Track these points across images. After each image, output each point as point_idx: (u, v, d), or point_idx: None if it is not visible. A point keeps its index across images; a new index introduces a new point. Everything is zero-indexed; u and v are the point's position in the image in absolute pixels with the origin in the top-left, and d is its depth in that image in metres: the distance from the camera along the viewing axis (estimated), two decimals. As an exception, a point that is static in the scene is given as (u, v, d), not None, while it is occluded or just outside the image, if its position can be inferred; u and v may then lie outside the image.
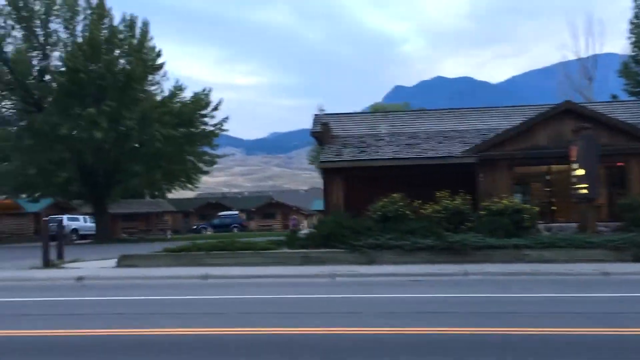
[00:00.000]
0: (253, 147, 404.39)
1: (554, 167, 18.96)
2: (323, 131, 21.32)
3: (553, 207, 19.75)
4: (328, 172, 19.44)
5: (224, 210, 60.21)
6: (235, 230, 54.31)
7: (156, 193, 56.27)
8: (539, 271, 13.38)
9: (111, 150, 31.84)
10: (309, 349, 6.36)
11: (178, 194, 63.55)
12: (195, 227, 57.18)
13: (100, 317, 9.36)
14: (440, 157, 17.95)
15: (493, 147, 17.67)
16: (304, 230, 59.27)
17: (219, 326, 7.85)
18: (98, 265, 17.89)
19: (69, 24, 35.08)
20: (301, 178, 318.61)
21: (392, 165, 18.43)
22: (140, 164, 33.32)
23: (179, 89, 34.99)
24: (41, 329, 8.16)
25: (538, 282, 12.30)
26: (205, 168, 38.21)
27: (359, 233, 16.14)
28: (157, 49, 35.46)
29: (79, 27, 35.52)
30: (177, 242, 33.66)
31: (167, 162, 34.27)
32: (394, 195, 16.88)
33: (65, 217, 48.51)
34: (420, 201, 16.95)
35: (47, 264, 17.90)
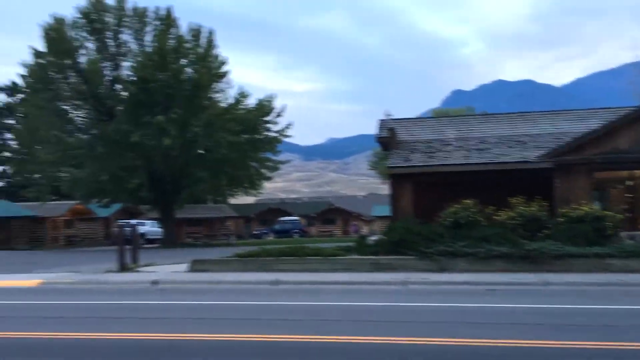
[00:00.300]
0: (310, 153, 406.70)
1: (637, 172, 18.06)
2: (389, 136, 21.07)
3: (630, 214, 18.82)
4: (396, 178, 19.18)
5: (284, 216, 60.68)
6: (296, 235, 54.56)
7: (219, 199, 57.38)
8: (626, 282, 12.71)
9: (178, 156, 32.62)
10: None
11: (238, 199, 64.63)
12: (256, 232, 57.85)
13: (181, 322, 9.50)
14: (515, 162, 17.40)
15: (570, 152, 16.98)
16: (371, 236, 59.07)
17: (299, 333, 7.80)
18: (171, 270, 18.29)
19: (138, 35, 36.21)
20: (358, 184, 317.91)
21: (462, 171, 17.99)
22: (206, 170, 34.00)
23: (243, 96, 35.58)
24: (123, 332, 8.34)
25: (628, 294, 11.67)
26: (268, 174, 38.61)
27: (429, 240, 15.82)
28: (222, 57, 36.23)
29: (148, 38, 36.60)
30: (241, 247, 34.16)
31: (232, 168, 34.84)
32: (466, 201, 16.47)
33: (133, 222, 50.22)
34: (493, 207, 16.45)
35: (122, 267, 18.43)
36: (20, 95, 59.38)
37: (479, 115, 29.12)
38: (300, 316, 9.83)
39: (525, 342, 6.73)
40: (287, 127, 36.31)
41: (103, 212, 51.08)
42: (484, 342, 6.88)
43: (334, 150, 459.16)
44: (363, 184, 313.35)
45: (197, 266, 17.96)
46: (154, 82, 31.59)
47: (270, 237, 52.57)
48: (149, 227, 50.52)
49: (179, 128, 31.28)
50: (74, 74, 34.69)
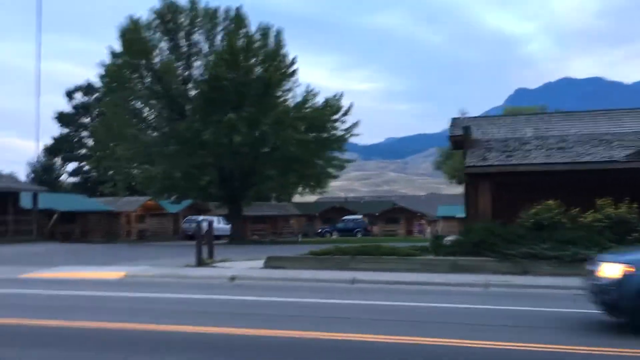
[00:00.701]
0: (369, 152, 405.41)
1: None
2: (464, 135, 20.64)
3: None
4: (473, 177, 18.77)
5: (347, 215, 60.69)
6: (359, 234, 54.47)
7: (283, 197, 57.95)
8: None
9: (248, 154, 33.14)
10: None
11: (301, 197, 65.15)
12: (319, 230, 58.11)
13: (263, 318, 9.63)
14: (601, 162, 16.68)
15: (662, 151, 16.15)
16: (448, 237, 58.18)
17: (386, 333, 7.74)
18: (246, 266, 18.59)
19: (208, 35, 37.04)
20: (417, 183, 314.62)
21: (544, 171, 17.41)
22: (275, 167, 34.40)
23: (311, 94, 35.79)
24: (208, 326, 8.49)
25: None
26: (334, 172, 38.69)
27: (510, 241, 15.39)
28: (291, 56, 36.60)
29: (218, 37, 37.40)
30: (307, 245, 34.41)
31: (300, 167, 35.13)
32: (549, 202, 15.92)
33: (201, 218, 51.41)
34: (577, 209, 15.85)
35: (200, 262, 18.91)
36: (96, 95, 61.98)
37: (557, 112, 28.12)
38: (384, 316, 9.77)
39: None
40: (354, 125, 36.28)
41: (172, 208, 52.56)
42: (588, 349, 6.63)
43: (393, 150, 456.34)
44: (422, 184, 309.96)
45: (272, 263, 18.21)
46: (225, 80, 32.21)
47: (334, 236, 52.66)
48: (216, 223, 51.52)
49: (248, 126, 31.79)
50: (148, 73, 35.84)
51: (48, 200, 38.68)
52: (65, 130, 61.19)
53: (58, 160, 64.11)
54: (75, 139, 61.65)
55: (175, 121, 34.97)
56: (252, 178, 37.28)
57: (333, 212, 63.06)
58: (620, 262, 7.79)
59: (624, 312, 7.56)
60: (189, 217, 51.78)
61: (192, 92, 35.85)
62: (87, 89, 61.30)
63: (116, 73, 36.10)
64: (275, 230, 59.66)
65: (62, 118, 60.91)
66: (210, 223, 21.43)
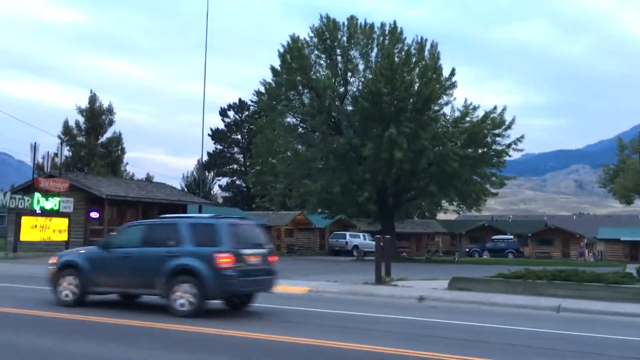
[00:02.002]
0: (505, 169, 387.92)
1: None
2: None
3: None
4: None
5: (494, 234, 57.85)
6: (511, 256, 51.54)
7: (428, 214, 56.56)
8: None
9: (406, 170, 32.47)
10: None
11: (443, 215, 63.23)
12: (467, 250, 55.89)
13: (471, 344, 8.98)
14: None
15: None
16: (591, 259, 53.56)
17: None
18: (429, 286, 17.77)
19: (364, 50, 37.13)
20: (558, 202, 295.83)
21: None
22: (434, 184, 33.44)
23: (471, 108, 34.41)
24: (424, 351, 8.08)
25: None
26: (492, 190, 36.86)
27: None
28: (448, 69, 35.61)
29: (372, 53, 37.36)
30: (467, 265, 32.95)
31: (460, 183, 33.86)
32: None
33: (347, 234, 51.55)
34: None
35: (379, 280, 18.43)
36: (246, 113, 64.91)
37: None
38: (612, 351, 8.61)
39: None
40: (519, 139, 34.26)
41: (319, 223, 53.23)
42: None
43: (531, 167, 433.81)
44: (563, 203, 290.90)
45: (457, 284, 17.25)
46: (384, 95, 31.92)
47: (485, 256, 50.28)
48: (362, 239, 51.45)
49: (408, 141, 31.17)
50: (307, 90, 36.55)
51: (207, 213, 40.54)
52: (219, 147, 64.51)
53: (209, 175, 67.76)
54: (228, 155, 64.79)
55: (333, 137, 35.26)
56: (407, 194, 36.53)
57: (481, 231, 60.41)
58: None
59: None
60: (335, 232, 52.12)
61: (349, 108, 35.93)
62: (239, 107, 64.31)
63: (275, 91, 37.20)
64: (419, 248, 58.32)
65: (215, 135, 64.34)
66: (385, 239, 20.88)
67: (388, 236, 21.75)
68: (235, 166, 64.41)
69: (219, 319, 10.81)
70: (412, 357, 7.87)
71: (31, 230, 27.03)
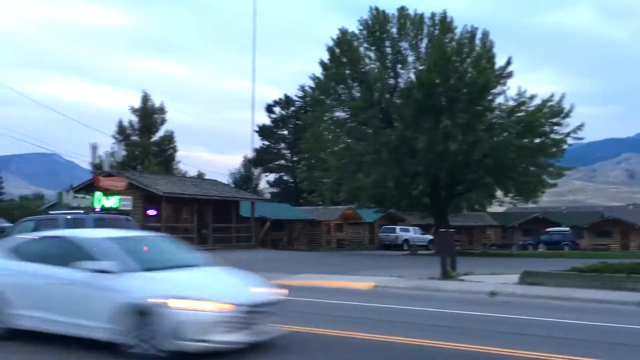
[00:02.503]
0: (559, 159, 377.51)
1: None
2: None
3: None
4: None
5: (548, 226, 56.34)
6: (567, 248, 50.08)
7: (478, 207, 55.50)
8: None
9: (460, 162, 31.83)
10: None
11: (491, 208, 61.88)
12: (521, 242, 54.64)
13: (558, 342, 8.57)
14: None
15: None
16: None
17: None
18: (498, 281, 17.33)
19: (413, 41, 36.53)
20: (608, 193, 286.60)
21: None
22: (489, 175, 32.71)
23: (528, 97, 33.43)
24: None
25: None
26: (549, 181, 35.77)
27: None
28: (502, 58, 34.67)
29: (422, 44, 36.73)
30: (524, 259, 32.12)
31: (517, 174, 33.00)
32: None
33: (397, 228, 51.10)
34: None
35: (444, 275, 18.07)
36: (292, 108, 65.00)
37: None
38: None
39: None
40: (579, 128, 33.11)
41: (369, 218, 52.92)
42: None
43: (579, 156, 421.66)
44: (614, 193, 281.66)
45: (528, 278, 16.77)
46: (437, 87, 31.35)
47: (541, 249, 49.03)
48: (412, 233, 50.90)
49: (463, 132, 30.54)
50: (356, 84, 36.26)
51: (259, 209, 40.86)
52: (266, 143, 64.80)
53: (256, 171, 68.16)
54: (275, 151, 65.05)
55: (383, 130, 34.90)
56: (460, 187, 35.87)
57: (534, 223, 58.93)
58: None
59: None
60: (385, 226, 51.71)
61: (399, 101, 35.45)
62: (285, 102, 64.43)
63: (324, 85, 37.01)
64: (470, 242, 57.34)
65: (262, 131, 64.64)
66: (449, 233, 20.47)
67: (452, 230, 21.28)
68: (282, 162, 64.62)
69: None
70: (517, 357, 7.60)
71: (93, 228, 27.57)
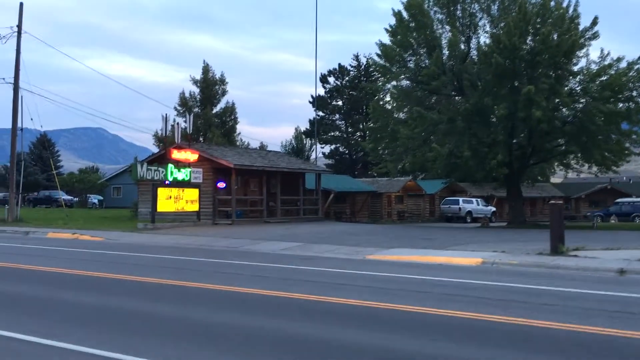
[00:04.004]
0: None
1: None
2: None
3: None
4: None
5: (617, 197, 54.00)
6: (638, 220, 47.90)
7: (539, 178, 53.36)
8: None
9: (542, 129, 30.11)
10: None
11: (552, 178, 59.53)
12: (588, 214, 52.56)
13: None
14: None
15: None
16: None
17: None
18: (616, 256, 16.01)
19: (485, 4, 34.70)
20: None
21: None
22: (572, 143, 30.98)
23: (614, 60, 31.23)
24: None
25: None
26: (634, 149, 33.72)
27: None
28: (587, 18, 32.46)
29: (494, 7, 34.86)
30: (608, 231, 30.45)
31: (604, 141, 31.14)
32: None
33: (460, 199, 49.66)
34: None
35: (555, 250, 16.87)
36: (346, 78, 63.56)
37: None
38: None
39: None
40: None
41: (429, 189, 51.63)
42: None
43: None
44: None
45: (655, 254, 15.46)
46: (518, 50, 29.59)
47: (613, 221, 46.98)
48: (475, 205, 49.44)
49: (546, 98, 28.81)
50: (426, 50, 34.71)
51: (321, 181, 40.01)
52: (320, 114, 63.72)
53: (308, 142, 67.29)
54: (329, 122, 63.97)
55: (454, 98, 33.34)
56: (536, 156, 34.20)
57: (601, 193, 56.60)
58: None
59: None
60: (447, 198, 50.35)
61: (473, 66, 33.76)
62: (340, 72, 63.04)
63: (390, 52, 35.54)
64: (534, 214, 55.45)
65: (316, 102, 63.55)
66: (558, 205, 19.10)
67: (560, 202, 19.93)
68: (337, 133, 63.52)
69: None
70: None
71: (166, 201, 27.28)
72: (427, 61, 34.74)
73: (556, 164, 38.67)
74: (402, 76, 36.51)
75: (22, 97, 30.83)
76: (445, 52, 34.48)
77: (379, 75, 38.91)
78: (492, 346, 6.72)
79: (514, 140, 31.87)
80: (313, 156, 67.48)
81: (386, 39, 35.94)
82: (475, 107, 30.78)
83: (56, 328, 7.18)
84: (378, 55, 36.13)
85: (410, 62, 36.10)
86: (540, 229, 33.40)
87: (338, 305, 9.04)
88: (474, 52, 34.47)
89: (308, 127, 64.40)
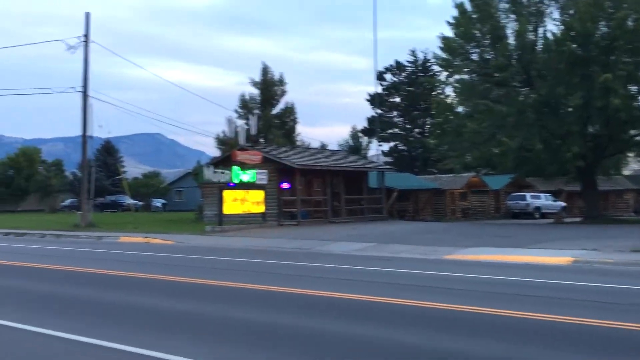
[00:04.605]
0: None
1: None
2: None
3: None
4: None
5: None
6: None
7: (611, 172, 50.91)
8: None
9: (621, 119, 28.48)
10: None
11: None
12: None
13: None
14: None
15: None
16: None
17: None
18: None
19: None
20: None
21: None
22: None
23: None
24: None
25: None
26: None
27: None
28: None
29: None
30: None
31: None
32: None
33: (527, 195, 47.88)
34: None
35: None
36: (404, 74, 62.51)
37: None
38: None
39: None
40: None
41: (494, 185, 50.02)
42: None
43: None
44: None
45: None
46: (592, 36, 28.10)
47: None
48: (544, 200, 47.55)
49: (624, 85, 27.24)
50: (490, 42, 33.51)
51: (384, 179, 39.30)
52: (378, 111, 62.89)
53: (364, 140, 66.50)
54: (387, 119, 63.09)
55: (522, 89, 32.01)
56: (615, 145, 32.49)
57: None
58: None
59: None
60: (513, 194, 48.64)
61: (542, 56, 32.31)
62: (397, 68, 62.08)
63: (452, 45, 34.52)
64: (605, 208, 52.85)
65: (373, 100, 62.78)
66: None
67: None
68: (395, 130, 62.54)
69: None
70: None
71: (232, 203, 27.27)
72: (491, 53, 33.55)
73: (632, 154, 36.61)
74: (466, 69, 35.36)
75: (91, 105, 31.41)
76: (512, 42, 33.16)
77: (441, 69, 37.77)
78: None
79: (597, 130, 30.20)
80: (369, 154, 66.91)
81: (448, 32, 34.98)
82: (546, 97, 29.42)
83: (164, 339, 6.90)
84: (441, 48, 35.14)
85: (474, 54, 34.96)
86: (620, 224, 31.73)
87: (464, 314, 8.44)
88: (540, 42, 32.99)
89: (366, 126, 63.66)
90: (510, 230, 26.15)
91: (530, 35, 33.47)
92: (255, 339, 6.80)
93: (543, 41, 31.06)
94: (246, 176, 27.87)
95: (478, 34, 34.25)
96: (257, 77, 41.15)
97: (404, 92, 61.50)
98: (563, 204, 49.22)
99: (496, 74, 32.41)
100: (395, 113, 63.02)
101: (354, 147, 65.08)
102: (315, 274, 13.39)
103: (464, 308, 8.44)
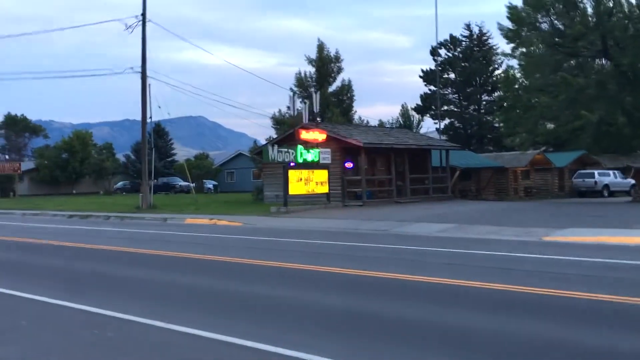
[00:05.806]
0: None
1: None
2: None
3: None
4: None
5: None
6: None
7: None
8: None
9: None
10: None
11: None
12: None
13: None
14: None
15: None
16: None
17: None
18: None
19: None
20: None
21: None
22: None
23: None
24: None
25: None
26: None
27: None
28: None
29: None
30: None
31: None
32: None
33: (596, 172, 45.61)
34: None
35: None
36: (458, 49, 60.26)
37: None
38: None
39: None
40: None
41: (558, 163, 47.92)
42: None
43: None
44: None
45: None
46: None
47: None
48: (613, 178, 45.24)
49: None
50: (563, 8, 31.46)
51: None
52: (432, 88, 60.99)
53: (416, 118, 64.67)
54: (441, 96, 61.14)
55: (599, 60, 29.97)
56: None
57: None
58: None
59: None
60: (580, 171, 46.43)
61: (623, 22, 30.13)
62: (451, 43, 59.92)
63: (522, 15, 32.59)
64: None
65: (426, 76, 60.90)
66: None
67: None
68: (451, 107, 60.60)
69: None
70: None
71: (297, 183, 26.43)
72: (563, 22, 31.52)
73: None
74: (535, 39, 33.38)
75: (149, 85, 30.92)
76: (588, 9, 31.08)
77: (507, 40, 35.80)
78: None
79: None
80: (422, 131, 65.14)
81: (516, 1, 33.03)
82: (629, 67, 27.40)
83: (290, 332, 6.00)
84: (508, 17, 33.23)
85: (544, 23, 32.96)
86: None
87: (602, 303, 7.30)
88: (621, 7, 30.76)
89: (418, 103, 61.87)
90: (597, 209, 24.50)
91: (609, 2, 31.32)
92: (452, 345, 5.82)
93: (627, 5, 28.88)
94: (310, 155, 26.96)
95: (548, 1, 32.26)
96: (303, 57, 40.05)
97: (459, 68, 59.35)
98: (632, 181, 46.74)
99: (570, 45, 30.39)
100: (450, 89, 60.97)
101: (406, 126, 63.44)
102: (417, 257, 12.40)
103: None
